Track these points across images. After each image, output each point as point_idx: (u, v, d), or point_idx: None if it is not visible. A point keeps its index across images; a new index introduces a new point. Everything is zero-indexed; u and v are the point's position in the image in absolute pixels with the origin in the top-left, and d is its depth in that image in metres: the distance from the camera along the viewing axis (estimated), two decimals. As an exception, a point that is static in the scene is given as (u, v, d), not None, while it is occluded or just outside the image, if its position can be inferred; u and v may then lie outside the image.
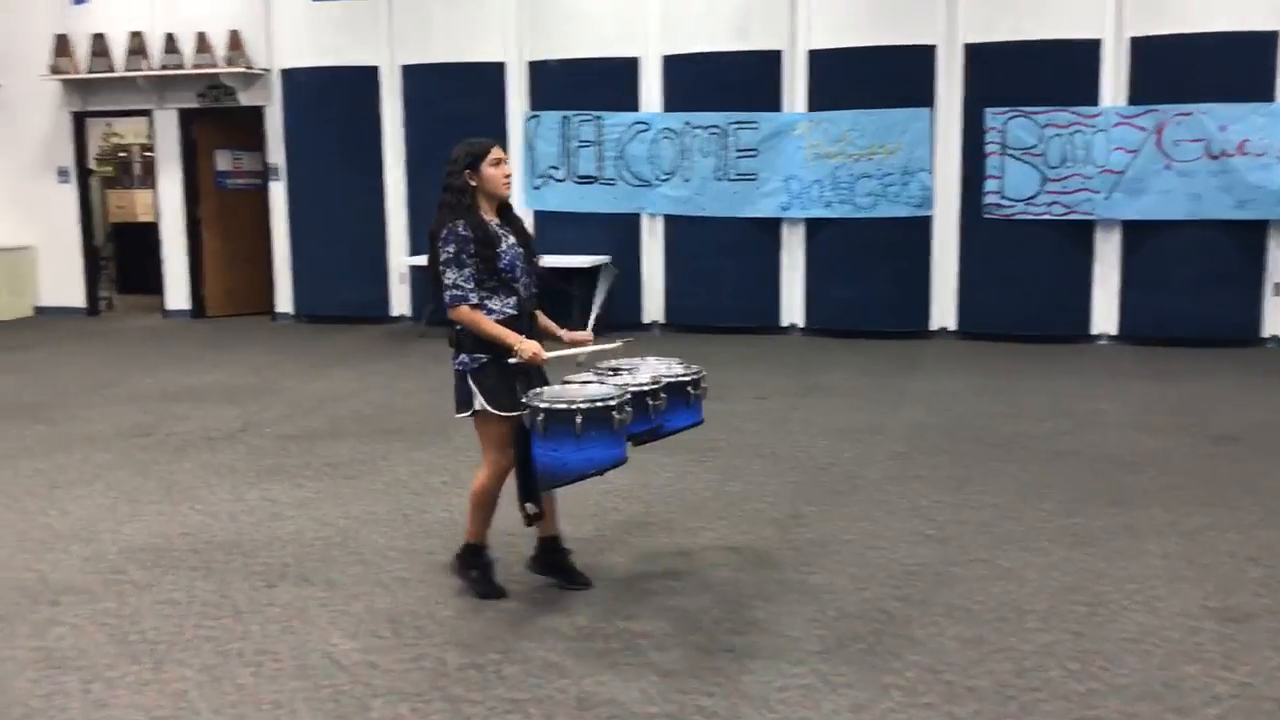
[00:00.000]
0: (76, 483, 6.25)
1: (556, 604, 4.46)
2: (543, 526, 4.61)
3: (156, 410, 8.06)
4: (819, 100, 10.87)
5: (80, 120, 13.19)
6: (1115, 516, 5.49)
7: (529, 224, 11.33)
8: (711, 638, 4.14)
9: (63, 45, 12.66)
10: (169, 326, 12.59)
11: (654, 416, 4.30)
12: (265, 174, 12.60)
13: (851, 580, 4.69)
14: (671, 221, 11.47)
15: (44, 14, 12.73)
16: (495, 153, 4.41)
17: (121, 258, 15.29)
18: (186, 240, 12.92)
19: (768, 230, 11.21)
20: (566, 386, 4.26)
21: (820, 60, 10.87)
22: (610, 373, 4.47)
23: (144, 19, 12.51)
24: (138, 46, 12.49)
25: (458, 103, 11.47)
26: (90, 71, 12.63)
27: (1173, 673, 3.83)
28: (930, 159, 10.67)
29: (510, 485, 4.38)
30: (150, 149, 13.73)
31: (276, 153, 12.43)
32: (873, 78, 10.71)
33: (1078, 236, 10.51)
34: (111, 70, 12.56)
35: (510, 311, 4.37)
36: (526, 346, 4.23)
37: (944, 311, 10.93)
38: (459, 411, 4.44)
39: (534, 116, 11.63)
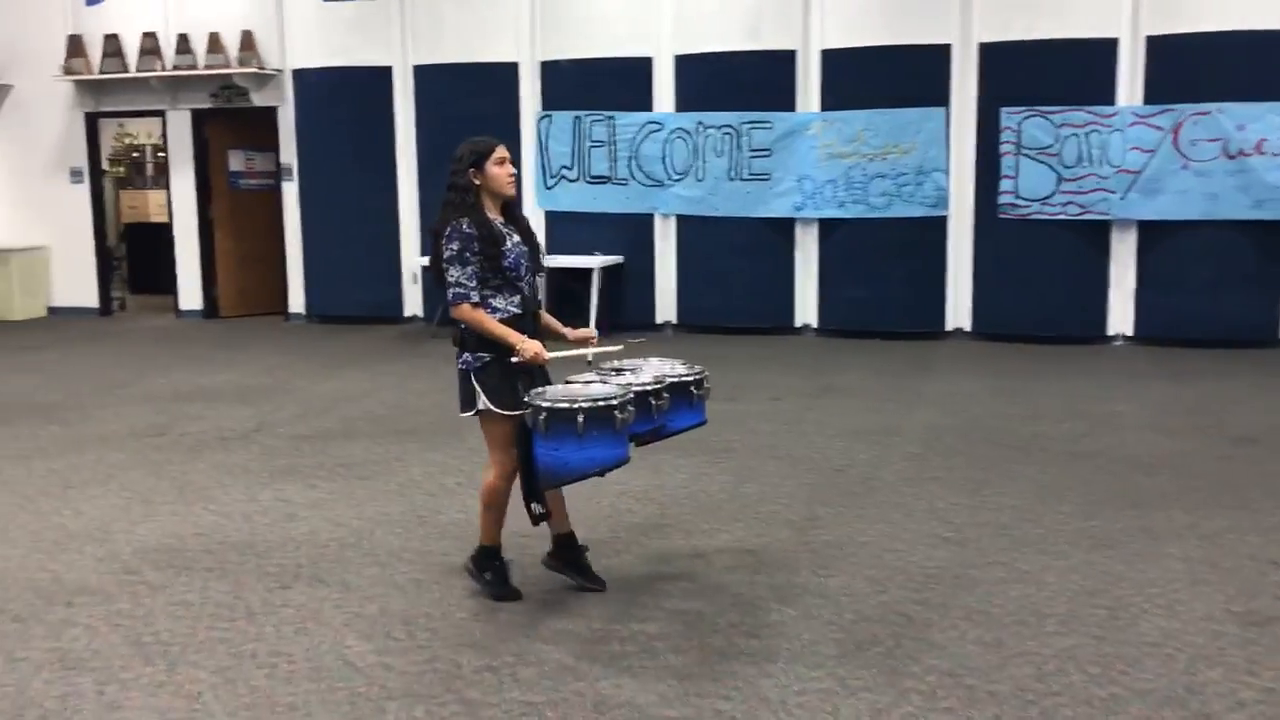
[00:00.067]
0: (90, 483, 6.25)
1: (571, 606, 4.43)
2: (555, 524, 4.60)
3: (170, 410, 8.05)
4: (832, 100, 10.83)
5: (93, 121, 13.21)
6: (1134, 519, 5.44)
7: (541, 224, 11.67)
8: (728, 641, 4.10)
9: (76, 46, 12.68)
10: (181, 327, 12.60)
11: (657, 416, 4.29)
12: (278, 174, 12.61)
13: (869, 583, 4.65)
14: (684, 221, 11.44)
15: (57, 14, 12.76)
16: (499, 151, 4.40)
17: (133, 258, 15.32)
18: (199, 240, 12.93)
19: (781, 230, 11.17)
20: (569, 386, 4.24)
21: (834, 60, 10.83)
22: (613, 372, 4.44)
23: (157, 19, 12.53)
24: (151, 47, 12.50)
25: (470, 103, 11.45)
26: (103, 72, 12.65)
27: (1196, 678, 3.79)
28: (945, 159, 10.62)
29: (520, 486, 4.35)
30: (162, 149, 13.75)
31: (289, 153, 12.43)
32: (887, 77, 10.67)
33: (1093, 237, 10.45)
34: (124, 71, 12.58)
35: (514, 310, 4.36)
36: (528, 346, 4.21)
37: (959, 312, 10.88)
38: (463, 411, 4.43)
39: (546, 116, 11.61)
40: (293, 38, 12.22)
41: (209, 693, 3.74)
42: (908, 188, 10.71)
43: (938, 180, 10.64)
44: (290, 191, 12.49)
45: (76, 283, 13.39)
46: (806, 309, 11.24)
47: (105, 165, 14.13)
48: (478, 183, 4.37)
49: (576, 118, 11.51)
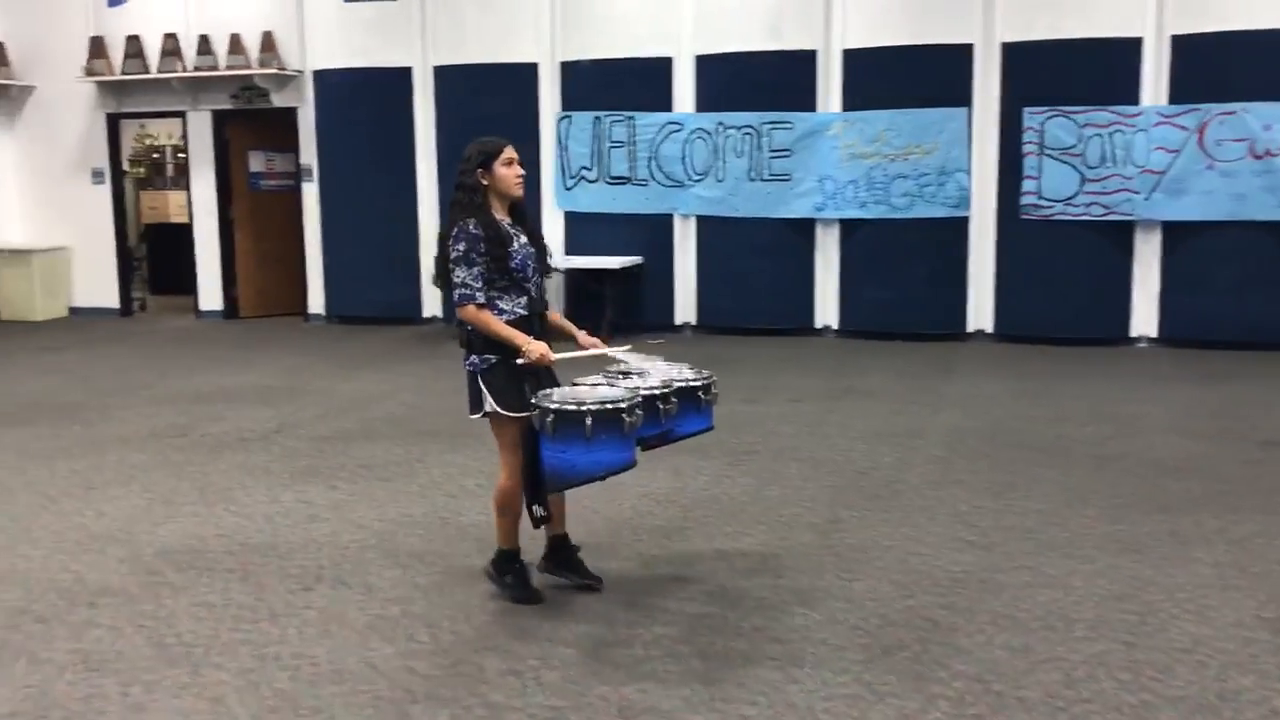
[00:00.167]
0: (112, 483, 6.26)
1: (594, 610, 4.41)
2: (550, 526, 4.58)
3: (191, 411, 8.06)
4: (854, 100, 10.78)
5: (115, 122, 13.27)
6: (1162, 523, 5.38)
7: (560, 225, 11.65)
8: (753, 645, 4.07)
9: (98, 47, 12.73)
10: (202, 327, 12.64)
11: (664, 421, 4.27)
12: (298, 175, 12.63)
13: (894, 587, 4.61)
14: (704, 222, 11.40)
15: (79, 16, 12.82)
16: (508, 152, 4.38)
17: (154, 259, 15.37)
18: (219, 241, 12.96)
19: (802, 231, 11.13)
20: (576, 388, 4.23)
21: (855, 60, 10.78)
22: (620, 376, 4.42)
23: (178, 21, 12.56)
24: (172, 48, 12.54)
25: (490, 103, 11.44)
26: (125, 73, 12.70)
27: (1228, 685, 3.74)
28: (967, 159, 10.56)
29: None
30: (183, 150, 13.80)
31: (309, 154, 12.45)
32: (908, 77, 10.61)
33: (1117, 237, 10.37)
34: (146, 72, 12.63)
35: (521, 312, 4.34)
36: (534, 347, 4.19)
37: (981, 313, 10.81)
38: (472, 412, 4.42)
39: (566, 117, 11.59)
40: (313, 39, 12.24)
41: (232, 695, 3.73)
42: (930, 188, 10.65)
43: (960, 181, 10.58)
44: (310, 192, 12.51)
45: (97, 283, 13.44)
46: (827, 310, 11.19)
47: (126, 166, 14.18)
48: (485, 183, 4.35)
49: (596, 118, 11.49)
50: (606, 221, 11.59)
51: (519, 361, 4.20)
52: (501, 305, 4.31)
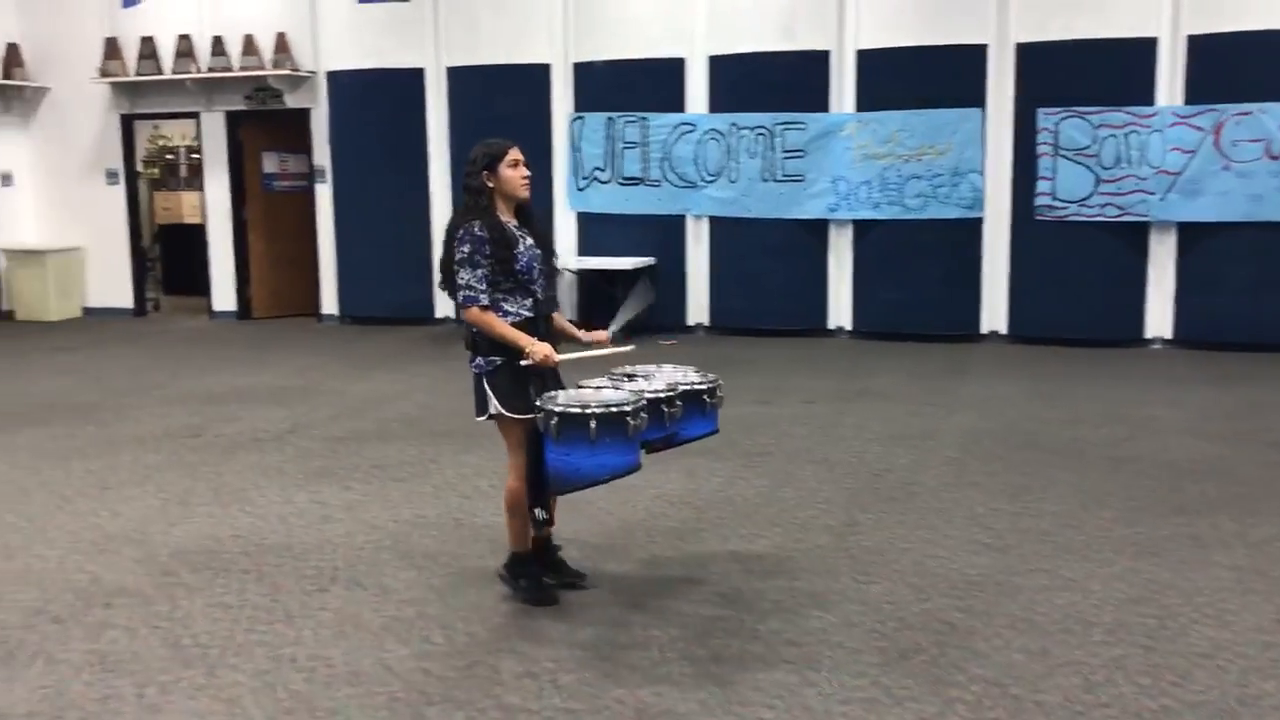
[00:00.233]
0: (127, 484, 6.27)
1: (610, 612, 4.39)
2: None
3: (205, 411, 8.08)
4: (867, 101, 10.75)
5: (129, 123, 13.30)
6: (1179, 526, 5.35)
7: (573, 226, 11.64)
8: (769, 648, 4.05)
9: (112, 48, 12.77)
10: (215, 328, 12.66)
11: (669, 424, 4.26)
12: (311, 176, 12.64)
13: (911, 590, 4.59)
14: (717, 223, 11.39)
15: (94, 17, 12.85)
16: (513, 154, 4.37)
17: (167, 259, 15.41)
18: (233, 242, 12.99)
19: (815, 232, 11.10)
20: (581, 391, 4.22)
21: (869, 60, 10.75)
22: (625, 378, 4.41)
23: (192, 22, 12.59)
24: (186, 49, 12.58)
25: (503, 104, 11.45)
26: (139, 74, 12.74)
27: (1249, 690, 3.71)
28: (981, 160, 10.53)
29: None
30: (196, 151, 13.83)
31: (322, 155, 12.47)
32: (922, 78, 10.58)
33: (1132, 238, 10.32)
34: (160, 73, 12.66)
35: (526, 313, 4.34)
36: (538, 349, 4.19)
37: (994, 314, 10.78)
38: (478, 415, 4.42)
39: (578, 118, 11.59)
40: (327, 40, 12.26)
41: (248, 697, 3.73)
42: (943, 189, 10.61)
43: (974, 181, 10.54)
44: (323, 193, 12.53)
45: (111, 284, 13.48)
46: (840, 311, 11.16)
47: (140, 167, 14.22)
48: (491, 185, 4.35)
49: (609, 119, 11.49)
50: (619, 222, 11.58)
51: (523, 363, 4.19)
52: (507, 307, 4.31)
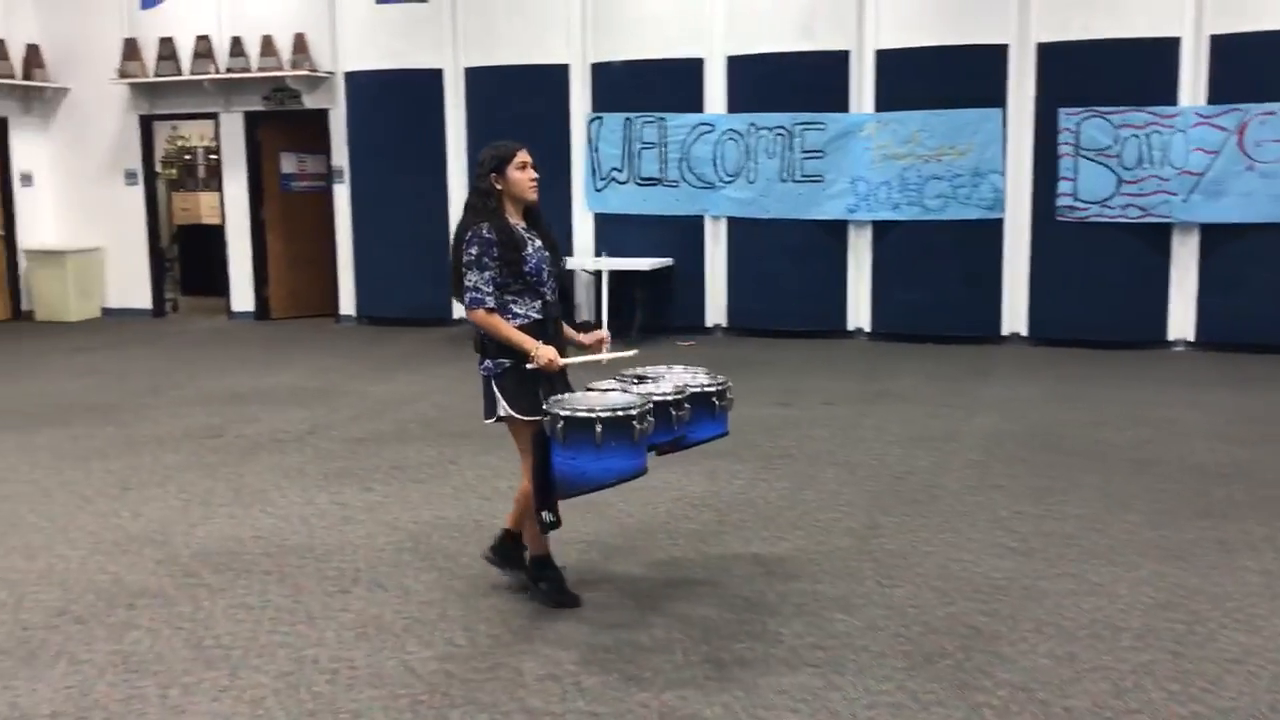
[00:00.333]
0: (148, 484, 6.27)
1: (632, 615, 4.37)
2: (514, 521, 4.59)
3: (224, 412, 8.09)
4: (887, 101, 10.71)
5: (148, 123, 13.34)
6: (1206, 530, 5.30)
7: (591, 226, 11.63)
8: (793, 652, 4.02)
9: (131, 49, 12.81)
10: (233, 328, 12.69)
11: (677, 427, 4.23)
12: (329, 176, 12.66)
13: (935, 593, 4.55)
14: (735, 224, 11.36)
15: (113, 18, 12.91)
16: (521, 156, 4.36)
17: (185, 259, 15.46)
18: (251, 242, 13.02)
19: (834, 232, 11.07)
20: (588, 394, 4.20)
21: (888, 60, 10.71)
22: (634, 381, 4.38)
23: (211, 23, 12.63)
24: (204, 50, 12.61)
25: (521, 105, 11.45)
26: (158, 75, 12.78)
27: (1280, 696, 3.67)
28: (1001, 160, 10.47)
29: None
30: (214, 151, 13.87)
31: (340, 155, 12.49)
32: (942, 78, 10.54)
33: (1154, 239, 10.26)
34: (178, 74, 12.70)
35: (535, 316, 4.32)
36: (542, 353, 4.17)
37: (1015, 316, 10.72)
38: (486, 417, 4.41)
39: (596, 118, 11.57)
40: (345, 40, 12.28)
41: (271, 698, 3.71)
42: (963, 189, 10.56)
43: (994, 182, 10.49)
44: (341, 194, 12.55)
45: (130, 284, 13.53)
46: (859, 312, 11.12)
47: (158, 167, 14.27)
48: (499, 187, 4.33)
49: (627, 119, 11.47)
50: (637, 223, 11.56)
51: (528, 366, 4.18)
52: (515, 309, 4.29)
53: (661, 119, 11.37)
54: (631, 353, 4.56)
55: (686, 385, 4.34)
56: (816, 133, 10.88)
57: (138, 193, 13.38)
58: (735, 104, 11.16)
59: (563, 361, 4.26)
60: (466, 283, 4.25)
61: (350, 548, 5.17)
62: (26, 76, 13.07)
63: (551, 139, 11.43)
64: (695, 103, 11.27)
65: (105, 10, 12.95)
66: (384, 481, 6.26)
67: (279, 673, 3.90)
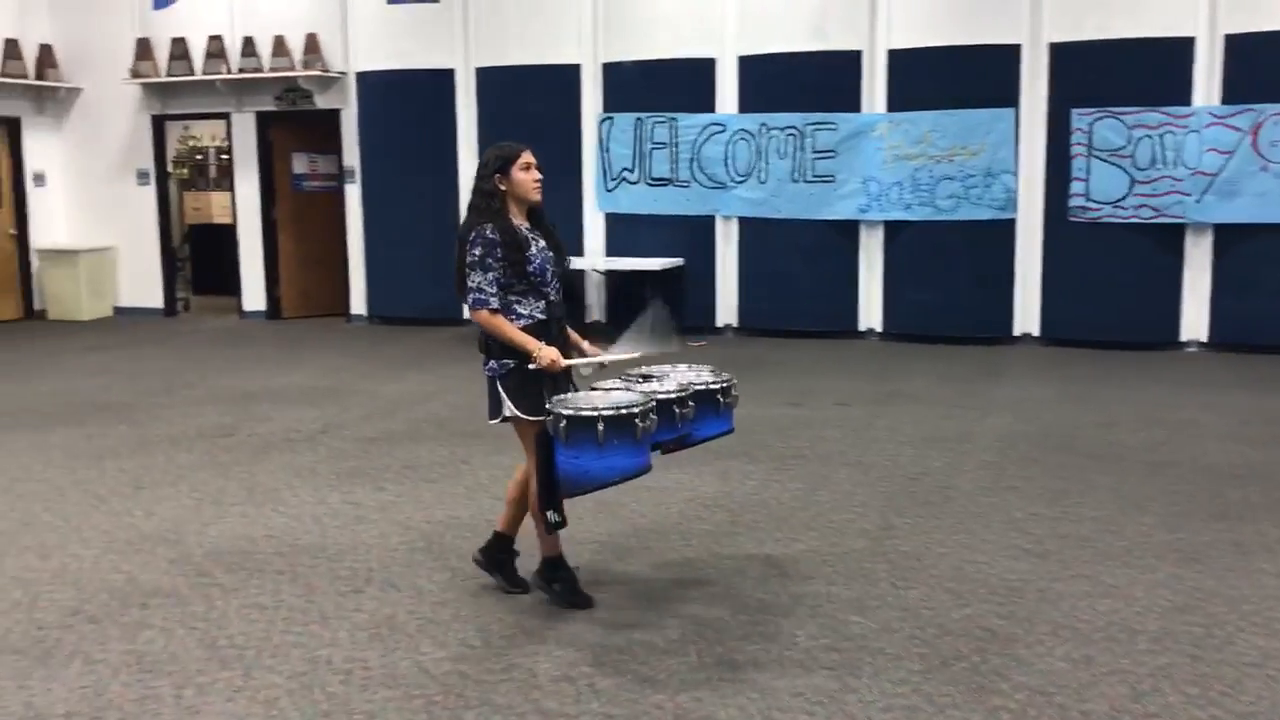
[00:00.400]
0: (161, 483, 6.28)
1: (646, 616, 4.36)
2: (506, 524, 4.59)
3: (236, 411, 8.10)
4: (899, 101, 10.68)
5: (160, 123, 13.37)
6: (1222, 532, 5.27)
7: (601, 226, 11.61)
8: (808, 654, 4.01)
9: (143, 49, 12.84)
10: (245, 327, 12.71)
11: (681, 425, 4.24)
12: (340, 176, 12.67)
13: (950, 595, 4.53)
14: (746, 224, 11.34)
15: (125, 18, 12.94)
16: (525, 157, 4.36)
17: (196, 259, 15.48)
18: (262, 242, 13.04)
19: (845, 233, 11.04)
20: (591, 393, 4.21)
21: (900, 60, 10.68)
22: (639, 380, 4.39)
23: (223, 23, 12.65)
24: (216, 50, 12.63)
25: (532, 105, 11.45)
26: (170, 75, 12.80)
27: (1300, 700, 3.64)
28: (1014, 161, 10.44)
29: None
30: (225, 151, 13.89)
31: (351, 155, 12.50)
32: (954, 78, 10.51)
33: (1167, 240, 10.21)
34: (191, 74, 12.73)
35: (539, 316, 4.32)
36: (545, 353, 4.17)
37: (1027, 317, 10.69)
38: (491, 417, 4.42)
39: (607, 118, 11.56)
40: (357, 41, 12.29)
41: (285, 699, 3.71)
42: (975, 190, 10.53)
43: (1006, 182, 10.46)
44: (352, 194, 12.56)
45: (142, 283, 13.56)
46: (871, 313, 11.10)
47: (169, 167, 14.29)
48: (503, 188, 4.34)
49: (638, 119, 11.46)
50: (648, 223, 11.55)
51: (530, 367, 4.19)
52: (519, 309, 4.29)
53: (673, 119, 11.35)
54: (634, 355, 4.56)
55: (690, 383, 4.34)
56: (828, 133, 10.86)
57: (150, 192, 13.41)
58: (747, 104, 11.14)
59: (565, 362, 4.26)
60: (470, 283, 4.26)
61: (363, 547, 5.17)
62: (39, 76, 13.11)
63: (562, 139, 11.42)
64: (707, 103, 11.26)
65: (118, 10, 12.98)
66: (396, 481, 6.26)
67: (293, 673, 3.90)
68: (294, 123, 12.88)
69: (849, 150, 10.81)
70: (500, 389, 4.32)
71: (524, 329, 4.26)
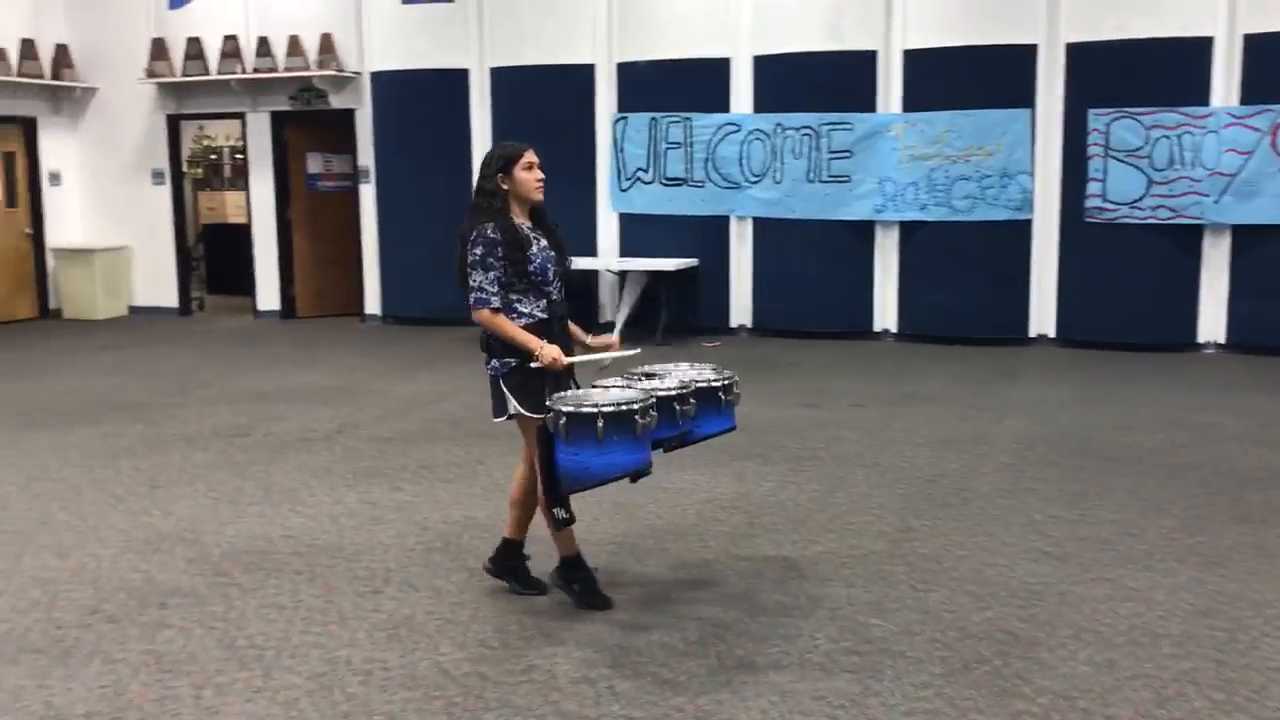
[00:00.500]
0: (177, 482, 6.28)
1: (666, 618, 4.34)
2: (512, 529, 4.58)
3: (252, 411, 8.10)
4: (914, 101, 10.65)
5: (175, 123, 13.39)
6: (1244, 535, 5.23)
7: (615, 226, 11.59)
8: (828, 657, 3.99)
9: (159, 49, 12.86)
10: (260, 327, 12.73)
11: (681, 422, 4.24)
12: (355, 176, 12.68)
13: (971, 598, 4.50)
14: (761, 224, 11.31)
15: (141, 18, 12.96)
16: (528, 156, 4.37)
17: (210, 258, 15.52)
18: (277, 242, 13.05)
19: (860, 233, 11.01)
20: (591, 390, 4.21)
21: (916, 60, 10.64)
22: (640, 377, 4.40)
23: (238, 23, 12.67)
24: (232, 50, 12.65)
25: (546, 105, 11.45)
26: (185, 75, 12.82)
27: (1326, 706, 3.61)
28: (1030, 161, 10.39)
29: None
30: (240, 151, 13.92)
31: (366, 155, 12.50)
32: (970, 78, 10.47)
33: (1184, 241, 10.15)
34: (206, 73, 12.75)
35: (540, 315, 4.33)
36: (546, 351, 4.18)
37: (1043, 318, 10.64)
38: (495, 416, 4.42)
39: (622, 118, 11.54)
40: (371, 40, 12.29)
41: (305, 699, 3.70)
42: (991, 190, 10.49)
43: (1023, 183, 10.41)
44: (367, 193, 12.57)
45: (157, 283, 13.59)
46: (886, 313, 11.06)
47: (184, 167, 14.32)
48: (505, 188, 4.34)
49: (653, 119, 11.44)
50: (662, 223, 11.53)
51: (532, 365, 4.19)
52: (521, 308, 4.30)
53: (687, 119, 11.33)
54: (634, 351, 4.55)
55: (692, 380, 4.34)
56: (843, 133, 10.82)
57: (164, 192, 13.43)
58: (761, 104, 11.11)
59: (567, 360, 4.27)
60: (471, 282, 4.27)
61: (380, 547, 5.16)
62: (55, 76, 13.15)
63: (577, 139, 11.42)
64: (721, 103, 11.23)
65: (133, 10, 13.01)
66: (412, 481, 6.26)
67: (312, 673, 3.89)
68: (309, 122, 12.89)
69: (864, 150, 10.77)
70: (503, 388, 4.33)
71: (525, 328, 4.27)
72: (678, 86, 11.31)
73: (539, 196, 4.42)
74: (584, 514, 5.37)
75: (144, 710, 3.65)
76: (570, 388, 4.31)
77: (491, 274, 4.23)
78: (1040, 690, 3.73)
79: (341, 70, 12.31)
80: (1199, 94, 9.93)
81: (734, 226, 11.41)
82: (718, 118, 11.23)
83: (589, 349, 4.51)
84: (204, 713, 3.64)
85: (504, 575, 4.62)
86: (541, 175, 4.41)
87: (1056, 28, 10.31)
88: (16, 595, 4.65)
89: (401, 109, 12.23)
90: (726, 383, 4.43)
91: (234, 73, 12.63)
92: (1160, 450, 6.81)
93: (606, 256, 11.60)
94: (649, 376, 4.42)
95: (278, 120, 12.89)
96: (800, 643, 4.10)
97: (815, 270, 11.11)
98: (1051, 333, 10.63)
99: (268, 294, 13.19)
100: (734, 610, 4.41)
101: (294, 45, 12.41)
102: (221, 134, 15.90)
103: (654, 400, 4.07)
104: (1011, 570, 4.82)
